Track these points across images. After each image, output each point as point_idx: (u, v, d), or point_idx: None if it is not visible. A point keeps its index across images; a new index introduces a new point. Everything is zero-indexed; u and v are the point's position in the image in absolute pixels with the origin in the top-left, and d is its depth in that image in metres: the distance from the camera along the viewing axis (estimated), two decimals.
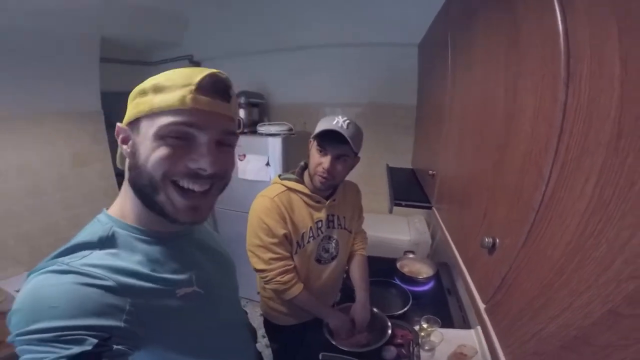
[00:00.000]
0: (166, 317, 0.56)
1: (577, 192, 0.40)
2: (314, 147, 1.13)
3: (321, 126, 1.09)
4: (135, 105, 0.54)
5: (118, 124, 0.57)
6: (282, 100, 2.78)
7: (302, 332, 1.31)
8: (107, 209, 0.61)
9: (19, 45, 1.89)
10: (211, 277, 0.69)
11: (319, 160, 1.11)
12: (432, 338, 1.17)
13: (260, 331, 1.33)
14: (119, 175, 2.30)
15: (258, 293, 1.36)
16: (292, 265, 1.16)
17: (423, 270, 1.67)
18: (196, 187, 0.55)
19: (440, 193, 1.23)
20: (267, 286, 1.18)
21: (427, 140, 1.66)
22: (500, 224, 0.62)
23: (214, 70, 0.54)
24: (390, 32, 2.17)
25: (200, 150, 0.53)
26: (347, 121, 1.08)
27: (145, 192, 0.54)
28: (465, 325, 1.27)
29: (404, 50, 2.17)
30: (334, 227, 1.26)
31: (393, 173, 1.89)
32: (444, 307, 1.40)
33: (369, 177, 2.45)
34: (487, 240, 0.62)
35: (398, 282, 1.58)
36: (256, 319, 1.43)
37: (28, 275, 0.49)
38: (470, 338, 1.20)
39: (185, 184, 0.54)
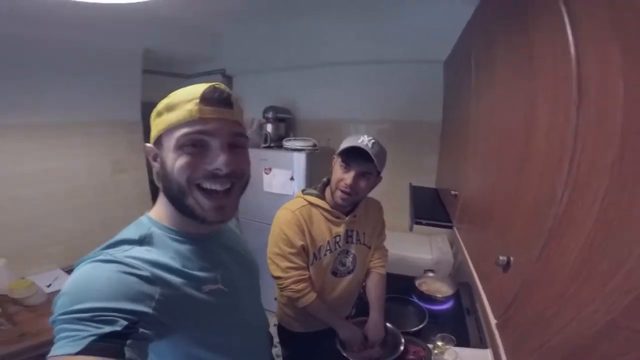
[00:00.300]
0: (191, 309, 0.61)
1: (585, 211, 0.42)
2: (337, 163, 1.17)
3: (346, 143, 1.13)
4: (155, 126, 0.62)
5: (146, 144, 0.65)
6: (308, 116, 2.86)
7: (315, 340, 1.31)
8: (148, 212, 0.68)
9: (69, 57, 2.07)
10: (236, 277, 0.73)
11: (342, 176, 1.14)
12: (446, 356, 1.15)
13: (275, 339, 1.35)
14: (152, 183, 2.43)
15: (275, 299, 1.39)
16: (307, 275, 1.19)
17: (442, 289, 1.64)
18: (217, 187, 0.61)
19: (461, 213, 1.23)
20: (282, 293, 1.22)
21: (451, 160, 1.66)
22: (515, 242, 0.63)
23: (213, 83, 0.61)
24: (415, 50, 2.20)
25: (214, 153, 0.59)
26: (372, 140, 1.12)
27: (176, 197, 0.61)
28: (482, 345, 1.23)
29: (430, 67, 2.19)
30: (352, 242, 1.28)
31: (416, 192, 1.90)
32: (461, 326, 1.37)
33: (392, 195, 2.44)
34: (501, 258, 0.63)
35: (416, 299, 1.56)
36: (271, 328, 1.46)
37: (77, 264, 0.56)
38: (484, 358, 1.17)
39: (208, 185, 0.60)
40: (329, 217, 1.21)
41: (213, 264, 0.68)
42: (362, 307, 1.44)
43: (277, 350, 1.48)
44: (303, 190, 1.27)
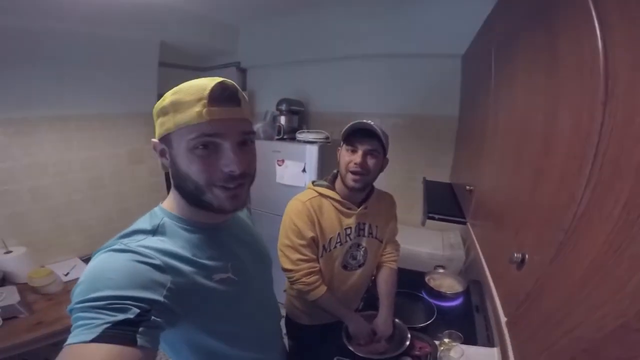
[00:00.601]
0: (201, 297, 0.62)
1: (606, 213, 0.41)
2: (343, 150, 1.18)
3: (349, 126, 1.14)
4: (161, 124, 0.62)
5: (153, 139, 0.66)
6: (321, 108, 2.86)
7: (321, 333, 1.33)
8: (162, 203, 0.71)
9: (89, 51, 2.12)
10: (247, 267, 0.75)
11: (350, 158, 1.14)
12: (452, 353, 1.15)
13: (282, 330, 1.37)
14: (167, 173, 2.48)
15: (284, 291, 1.41)
16: (318, 268, 1.20)
17: (452, 285, 1.64)
18: (232, 186, 0.63)
19: (476, 209, 1.21)
20: (292, 286, 1.23)
21: (467, 154, 1.64)
22: (531, 241, 0.63)
23: (220, 79, 0.61)
24: (432, 43, 2.16)
25: (228, 156, 0.61)
26: (373, 123, 1.11)
27: (192, 195, 0.63)
28: (490, 343, 1.23)
29: (446, 61, 2.15)
30: (363, 235, 1.28)
31: (430, 186, 1.88)
32: (469, 324, 1.37)
33: (405, 189, 2.44)
34: (516, 255, 0.62)
35: (425, 295, 1.56)
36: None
37: (94, 253, 0.58)
38: (491, 356, 1.16)
39: (224, 184, 0.62)
40: (340, 207, 1.21)
41: (223, 253, 0.70)
42: (370, 301, 1.45)
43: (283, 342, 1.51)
44: (313, 182, 1.28)
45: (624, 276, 0.35)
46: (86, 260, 2.12)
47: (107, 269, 0.52)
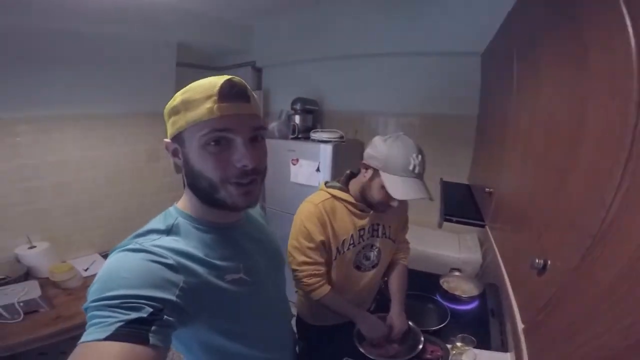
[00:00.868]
0: (213, 297, 0.62)
1: (639, 219, 0.39)
2: (378, 181, 1.09)
3: (395, 163, 1.05)
4: (173, 123, 0.63)
5: (165, 139, 0.67)
6: (335, 107, 2.84)
7: (331, 333, 1.32)
8: (176, 203, 0.71)
9: (108, 52, 2.18)
10: (259, 267, 0.75)
11: (386, 199, 1.09)
12: (464, 358, 1.12)
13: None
14: None
15: (296, 291, 1.40)
16: (322, 271, 1.18)
17: (468, 289, 1.60)
18: (245, 181, 0.63)
19: (496, 212, 1.18)
20: (295, 286, 1.23)
21: (486, 155, 1.60)
22: (554, 246, 0.60)
23: (228, 77, 0.61)
24: (450, 41, 2.11)
25: (240, 151, 0.61)
26: (420, 157, 1.06)
27: (205, 192, 0.63)
28: (503, 348, 1.19)
29: (465, 59, 2.10)
30: (377, 236, 1.26)
31: (447, 188, 1.84)
32: (484, 328, 1.33)
33: None
34: (537, 261, 0.60)
35: (439, 298, 1.53)
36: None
37: (111, 252, 0.59)
38: None
39: (237, 180, 0.62)
40: (354, 210, 1.19)
41: (236, 253, 0.70)
42: (382, 302, 1.44)
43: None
44: (326, 183, 1.26)
45: None
46: (105, 256, 2.15)
47: (122, 268, 0.53)
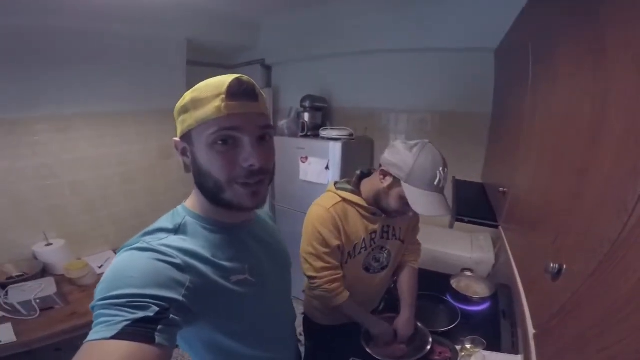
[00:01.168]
0: (218, 298, 0.63)
1: None
2: (399, 190, 1.05)
3: (420, 177, 1.00)
4: (182, 122, 0.63)
5: (174, 138, 0.67)
6: (345, 104, 2.82)
7: (339, 334, 1.31)
8: (185, 201, 0.71)
9: (121, 51, 2.20)
10: (265, 268, 0.75)
11: (403, 209, 1.07)
12: (473, 359, 1.10)
13: (299, 329, 1.36)
14: None
15: (303, 291, 1.40)
16: (340, 275, 1.16)
17: (479, 290, 1.57)
18: (252, 181, 0.62)
19: (510, 212, 1.15)
20: (314, 292, 1.20)
21: (501, 154, 1.56)
22: (570, 250, 0.58)
23: (237, 75, 0.61)
24: (462, 37, 2.07)
25: (247, 150, 0.60)
26: (446, 170, 1.02)
27: (212, 192, 0.63)
28: (514, 351, 1.17)
29: (478, 56, 2.05)
30: (388, 238, 1.24)
31: (459, 186, 1.81)
32: (494, 330, 1.30)
33: None
34: (552, 265, 0.58)
35: (449, 299, 1.51)
36: (297, 318, 1.48)
37: (119, 251, 0.59)
38: None
39: (244, 180, 0.62)
40: (365, 214, 1.16)
41: (242, 254, 0.70)
42: (390, 302, 1.43)
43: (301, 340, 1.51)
44: (336, 183, 1.22)
45: None
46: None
47: (129, 267, 0.53)
